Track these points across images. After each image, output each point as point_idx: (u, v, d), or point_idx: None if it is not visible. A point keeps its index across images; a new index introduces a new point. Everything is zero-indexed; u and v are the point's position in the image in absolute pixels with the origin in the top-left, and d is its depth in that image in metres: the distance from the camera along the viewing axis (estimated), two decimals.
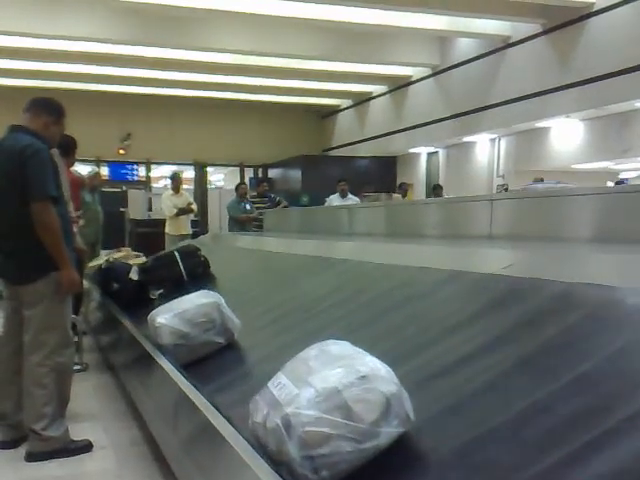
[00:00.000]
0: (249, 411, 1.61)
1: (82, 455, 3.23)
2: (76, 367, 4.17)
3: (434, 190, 11.10)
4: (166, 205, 9.75)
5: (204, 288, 4.03)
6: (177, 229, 9.66)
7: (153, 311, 3.04)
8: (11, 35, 11.18)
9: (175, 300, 3.06)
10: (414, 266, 2.83)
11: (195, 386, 2.47)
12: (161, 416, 2.80)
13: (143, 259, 5.66)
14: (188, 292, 4.04)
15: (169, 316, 2.88)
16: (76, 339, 4.22)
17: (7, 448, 3.29)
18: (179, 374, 2.64)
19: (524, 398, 1.49)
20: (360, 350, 1.59)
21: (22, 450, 3.22)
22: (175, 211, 9.62)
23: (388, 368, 1.51)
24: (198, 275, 4.62)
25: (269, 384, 1.59)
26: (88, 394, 4.28)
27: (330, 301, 2.94)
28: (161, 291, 4.51)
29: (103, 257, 6.43)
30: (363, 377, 1.44)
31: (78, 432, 3.36)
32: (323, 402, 1.41)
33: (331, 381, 1.44)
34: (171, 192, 9.93)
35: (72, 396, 3.41)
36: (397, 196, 9.66)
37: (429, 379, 1.80)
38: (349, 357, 1.53)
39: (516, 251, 2.67)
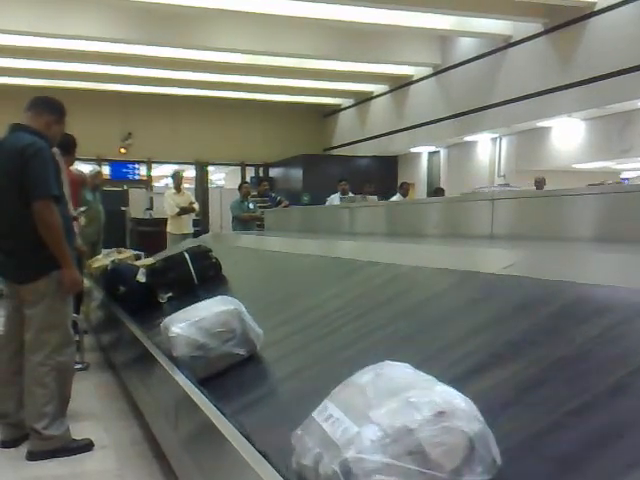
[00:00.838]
0: (291, 447, 1.37)
1: (83, 454, 3.23)
2: (77, 366, 4.17)
3: (435, 194, 10.98)
4: (168, 204, 9.77)
5: (216, 292, 3.74)
6: (179, 228, 9.68)
7: (167, 319, 2.76)
8: (13, 34, 11.18)
9: (190, 307, 2.79)
10: (445, 268, 2.62)
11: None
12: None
13: (150, 260, 5.33)
14: (199, 296, 3.81)
15: (185, 325, 2.60)
16: (77, 338, 4.23)
17: (8, 447, 3.30)
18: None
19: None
20: (426, 375, 1.32)
21: (23, 449, 3.22)
22: (177, 210, 9.64)
23: (468, 400, 1.23)
24: (209, 278, 4.37)
25: (315, 416, 1.33)
26: (89, 393, 4.29)
27: (360, 308, 2.68)
28: (170, 294, 4.24)
29: (105, 257, 6.29)
30: (440, 413, 1.17)
31: (79, 431, 3.37)
32: (392, 445, 1.15)
33: (400, 418, 1.17)
34: (173, 191, 9.97)
35: (73, 395, 3.41)
36: (372, 198, 9.31)
37: (505, 406, 1.49)
38: (415, 385, 1.26)
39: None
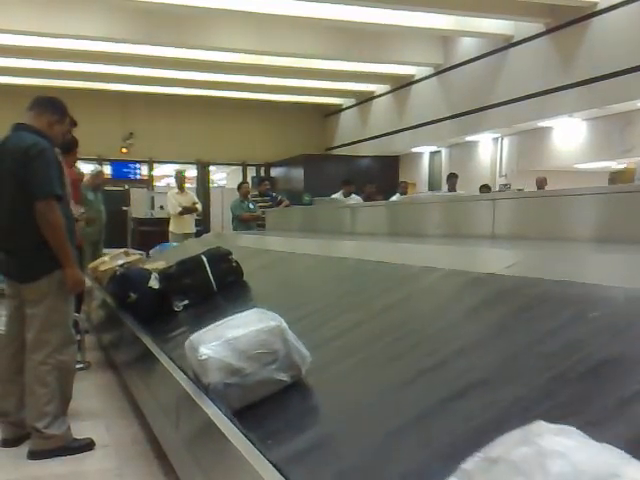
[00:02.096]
0: None
1: (84, 453, 3.23)
2: (78, 365, 4.17)
3: (448, 179, 10.62)
4: (171, 203, 9.81)
5: (238, 300, 3.59)
6: (181, 227, 9.72)
7: (193, 337, 2.31)
8: (15, 34, 11.20)
9: (221, 322, 2.35)
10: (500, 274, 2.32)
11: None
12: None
13: (161, 263, 4.88)
14: (218, 304, 3.69)
15: (217, 345, 2.15)
16: (78, 337, 4.23)
17: (9, 446, 3.30)
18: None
19: None
20: (617, 451, 0.91)
21: (24, 448, 3.22)
22: (180, 209, 9.68)
23: None
24: (229, 284, 3.97)
25: None
26: (90, 392, 4.29)
27: (418, 320, 2.33)
28: (186, 302, 3.86)
29: (111, 259, 5.87)
30: None
31: (80, 430, 3.37)
32: None
33: None
34: (176, 190, 10.02)
35: (74, 394, 3.42)
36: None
37: None
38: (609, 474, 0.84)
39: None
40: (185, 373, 2.53)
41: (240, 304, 3.45)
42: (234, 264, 4.08)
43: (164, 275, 4.08)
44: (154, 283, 3.99)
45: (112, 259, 5.88)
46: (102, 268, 5.61)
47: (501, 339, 1.90)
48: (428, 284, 2.68)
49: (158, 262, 5.09)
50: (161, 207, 13.19)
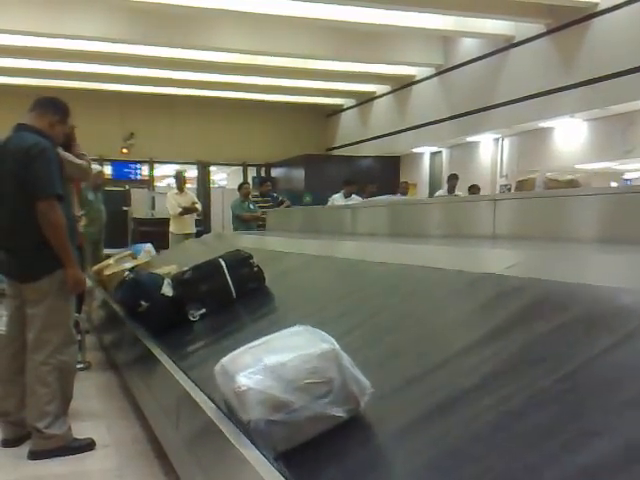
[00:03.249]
0: None
1: (84, 453, 3.23)
2: (79, 365, 4.17)
3: (449, 180, 10.60)
4: (171, 204, 9.80)
5: (262, 310, 3.31)
6: (181, 228, 9.71)
7: (225, 360, 1.91)
8: (15, 34, 11.21)
9: (260, 343, 1.91)
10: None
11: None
12: None
13: (173, 267, 4.46)
14: (238, 313, 3.43)
15: (258, 373, 1.73)
16: (79, 337, 4.23)
17: (10, 446, 3.30)
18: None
19: None
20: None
21: (25, 448, 3.22)
22: (180, 210, 9.67)
23: None
24: (250, 291, 3.63)
25: None
26: (91, 393, 4.29)
27: (485, 338, 1.90)
28: (203, 311, 3.52)
29: (117, 262, 5.49)
30: None
31: (80, 430, 3.37)
32: None
33: None
34: (176, 191, 10.02)
35: (75, 394, 3.42)
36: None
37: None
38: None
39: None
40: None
41: (264, 315, 3.28)
42: (255, 269, 3.73)
43: (178, 281, 3.70)
44: (167, 290, 3.63)
45: (117, 262, 5.54)
46: (107, 272, 5.24)
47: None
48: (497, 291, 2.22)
49: (169, 266, 4.61)
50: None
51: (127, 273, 4.49)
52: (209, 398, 2.18)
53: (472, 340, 1.93)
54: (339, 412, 1.72)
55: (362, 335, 2.36)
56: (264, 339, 1.95)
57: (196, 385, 2.41)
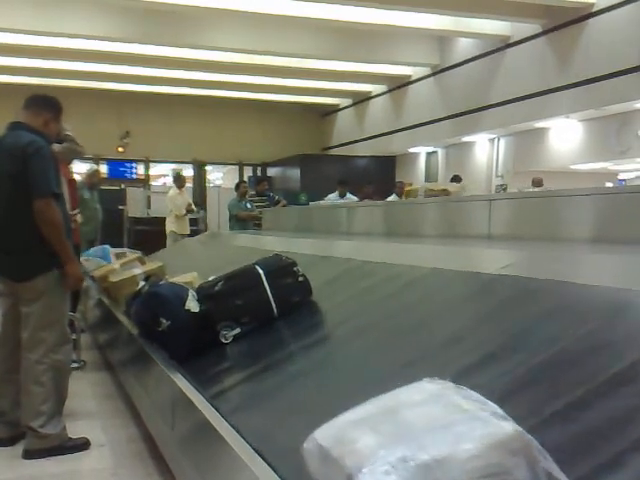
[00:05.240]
0: None
1: (79, 453, 3.22)
2: (74, 365, 4.16)
3: (452, 182, 10.66)
4: (175, 204, 9.92)
5: (313, 331, 2.70)
6: (183, 228, 9.87)
7: (324, 435, 1.27)
8: (10, 32, 11.17)
9: (378, 412, 1.26)
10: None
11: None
12: None
13: (193, 276, 3.78)
14: (281, 333, 2.85)
15: (396, 471, 1.07)
16: (74, 336, 4.22)
17: (4, 446, 3.29)
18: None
19: None
20: None
21: (19, 448, 3.21)
22: (184, 211, 9.85)
23: None
24: (294, 306, 2.99)
25: None
26: (85, 392, 4.28)
27: None
28: (237, 331, 2.85)
29: (123, 268, 4.88)
30: None
31: (75, 430, 3.36)
32: None
33: None
34: (178, 191, 10.11)
35: (69, 394, 3.41)
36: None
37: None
38: None
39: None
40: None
41: (319, 339, 2.61)
42: (300, 278, 3.08)
43: (207, 294, 3.03)
44: (193, 305, 2.98)
45: (123, 267, 4.94)
46: (114, 279, 4.64)
47: None
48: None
49: (188, 274, 3.89)
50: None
51: (142, 284, 3.69)
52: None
53: None
54: None
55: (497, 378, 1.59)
56: (380, 403, 1.29)
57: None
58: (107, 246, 6.53)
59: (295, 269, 3.10)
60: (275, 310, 2.94)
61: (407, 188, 8.65)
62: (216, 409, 1.74)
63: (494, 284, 2.25)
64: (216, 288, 3.03)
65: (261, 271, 3.05)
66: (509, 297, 2.13)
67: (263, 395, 1.92)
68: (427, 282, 2.58)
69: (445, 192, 6.58)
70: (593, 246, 2.84)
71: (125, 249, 7.74)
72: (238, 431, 1.82)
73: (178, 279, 3.68)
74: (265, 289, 2.97)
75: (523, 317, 1.93)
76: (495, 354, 1.71)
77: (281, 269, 3.11)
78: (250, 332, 2.85)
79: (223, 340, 2.84)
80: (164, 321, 2.97)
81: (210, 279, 3.17)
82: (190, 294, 3.02)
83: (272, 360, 2.03)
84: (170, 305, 2.99)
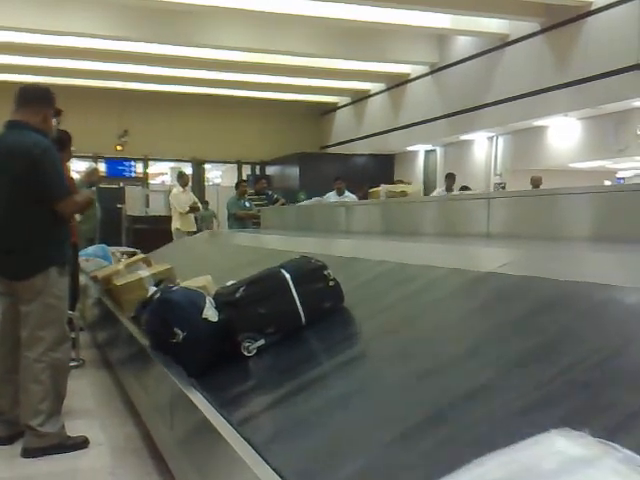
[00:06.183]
0: None
1: (78, 452, 3.21)
2: (72, 363, 4.16)
3: (446, 179, 10.59)
4: (178, 202, 9.96)
5: (346, 344, 2.41)
6: (188, 225, 9.89)
7: None
8: (10, 30, 11.16)
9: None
10: None
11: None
12: None
13: (206, 279, 3.41)
14: (311, 347, 2.59)
15: None
16: (73, 335, 4.22)
17: (3, 444, 3.28)
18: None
19: None
20: None
21: (18, 446, 3.21)
22: (187, 208, 9.86)
23: None
24: (325, 312, 2.67)
25: None
26: (84, 391, 4.28)
27: None
28: (261, 343, 2.53)
29: (128, 269, 4.58)
30: None
31: (74, 428, 3.36)
32: None
33: None
34: (181, 189, 10.14)
35: (68, 392, 3.41)
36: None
37: None
38: None
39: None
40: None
41: (354, 353, 2.30)
42: (331, 283, 2.76)
43: (226, 301, 2.69)
44: (211, 313, 2.67)
45: (128, 268, 4.62)
46: (118, 282, 4.30)
47: None
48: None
49: (202, 277, 3.49)
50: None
51: (152, 289, 3.38)
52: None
53: None
54: None
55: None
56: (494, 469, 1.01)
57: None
58: (104, 245, 6.51)
59: (326, 272, 2.78)
60: (303, 319, 2.63)
61: (370, 190, 8.87)
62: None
63: (532, 286, 2.04)
64: (237, 295, 2.67)
65: (287, 275, 2.70)
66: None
67: (299, 423, 1.70)
68: (485, 286, 2.27)
69: (403, 193, 7.37)
70: (591, 244, 2.84)
71: (124, 247, 7.73)
72: (236, 428, 1.76)
73: (190, 283, 3.33)
74: (292, 296, 2.65)
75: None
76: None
77: (310, 273, 2.78)
78: (276, 343, 2.54)
79: (246, 353, 2.52)
80: (179, 331, 2.64)
81: (228, 284, 2.83)
82: (207, 301, 2.71)
83: (307, 377, 1.80)
84: (185, 313, 2.67)
